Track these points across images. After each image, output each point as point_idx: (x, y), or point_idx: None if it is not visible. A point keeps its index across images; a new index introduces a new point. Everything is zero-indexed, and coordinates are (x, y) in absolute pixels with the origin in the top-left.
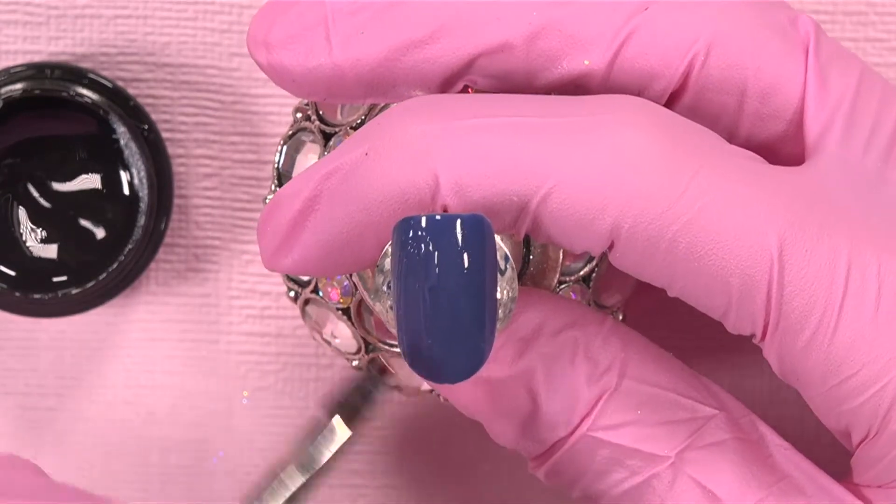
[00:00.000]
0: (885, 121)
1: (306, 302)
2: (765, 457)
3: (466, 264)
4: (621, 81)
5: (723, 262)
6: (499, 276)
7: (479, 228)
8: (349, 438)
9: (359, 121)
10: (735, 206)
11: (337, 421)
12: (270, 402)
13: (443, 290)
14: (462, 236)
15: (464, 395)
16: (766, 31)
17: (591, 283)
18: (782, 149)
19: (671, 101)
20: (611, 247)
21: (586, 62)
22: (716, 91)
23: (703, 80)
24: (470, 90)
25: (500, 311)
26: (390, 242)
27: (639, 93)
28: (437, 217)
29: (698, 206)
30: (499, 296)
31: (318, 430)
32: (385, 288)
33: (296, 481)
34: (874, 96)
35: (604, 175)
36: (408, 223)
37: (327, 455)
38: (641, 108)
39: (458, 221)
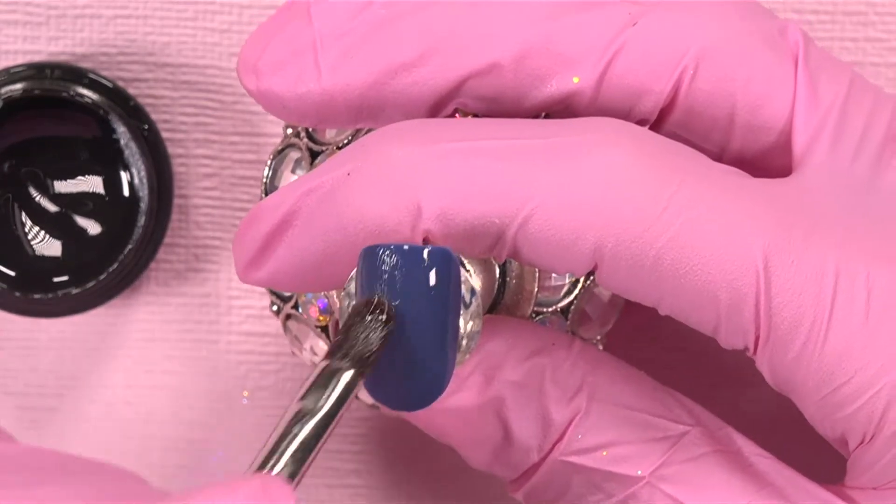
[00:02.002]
0: (875, 128)
1: (287, 317)
2: (745, 466)
3: (430, 295)
4: (611, 99)
5: (709, 277)
6: (463, 308)
7: (445, 260)
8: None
9: (346, 140)
10: (718, 220)
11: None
12: (270, 402)
13: (405, 317)
14: (427, 267)
15: (434, 423)
16: (754, 42)
17: (570, 316)
18: (775, 161)
19: (662, 117)
20: (596, 268)
21: (575, 80)
22: (706, 105)
23: (693, 95)
24: (457, 115)
25: (463, 342)
26: (357, 268)
27: (629, 109)
28: (405, 247)
29: (680, 222)
30: (462, 329)
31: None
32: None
33: (304, 431)
34: (864, 103)
35: (584, 196)
36: (375, 250)
37: (331, 401)
38: (621, 128)
39: (425, 252)
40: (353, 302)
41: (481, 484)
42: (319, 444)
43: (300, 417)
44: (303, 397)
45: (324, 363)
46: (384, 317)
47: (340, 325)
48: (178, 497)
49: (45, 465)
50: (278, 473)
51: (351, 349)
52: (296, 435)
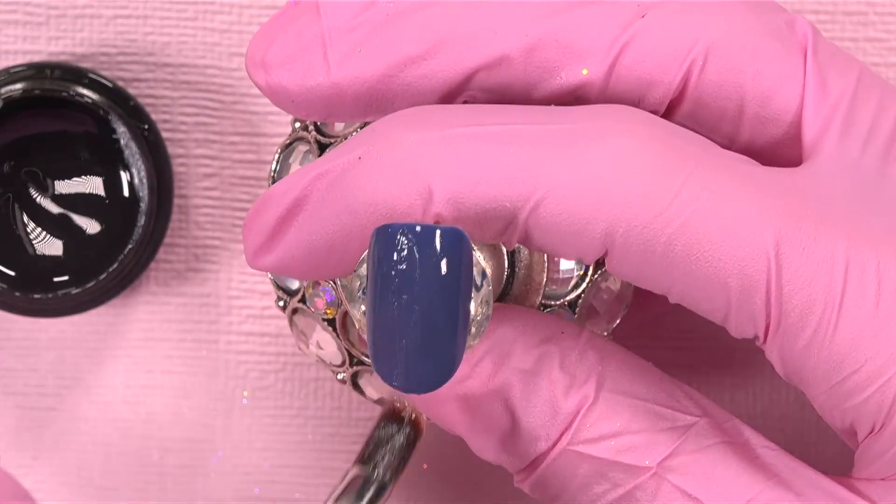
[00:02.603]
0: (885, 119)
1: (294, 311)
2: (752, 458)
3: (442, 275)
4: (620, 90)
5: (720, 264)
6: (474, 291)
7: (457, 241)
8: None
9: (354, 132)
10: (729, 207)
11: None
12: (270, 402)
13: (416, 298)
14: (440, 247)
15: (443, 411)
16: (763, 35)
17: (577, 310)
18: (784, 153)
19: (671, 109)
20: (607, 254)
21: (584, 72)
22: (715, 96)
23: (702, 86)
24: None
25: (472, 327)
26: (368, 248)
27: (638, 101)
28: (418, 228)
29: (692, 209)
30: (472, 311)
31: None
32: (360, 293)
33: None
34: (873, 96)
35: (596, 182)
36: (387, 230)
37: None
38: (633, 115)
39: (438, 232)
40: (365, 284)
41: (483, 484)
42: None
43: None
44: (336, 501)
45: (354, 471)
46: (412, 427)
47: (372, 436)
48: None
49: None
50: None
51: (381, 459)
52: None
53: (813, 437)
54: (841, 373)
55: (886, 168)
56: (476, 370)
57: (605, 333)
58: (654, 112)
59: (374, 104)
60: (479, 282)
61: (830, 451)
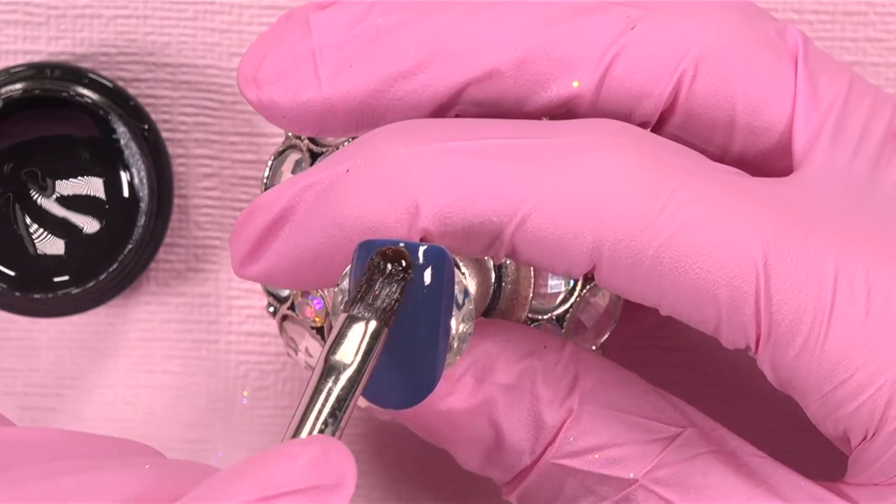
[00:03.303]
0: (876, 125)
1: (283, 318)
2: (739, 467)
3: (423, 293)
4: (611, 103)
5: (708, 275)
6: (456, 309)
7: (440, 258)
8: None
9: (346, 142)
10: (717, 219)
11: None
12: (270, 402)
13: (397, 314)
14: (422, 264)
15: (425, 426)
16: (754, 44)
17: (565, 325)
18: (776, 162)
19: (662, 120)
20: (595, 268)
21: (575, 84)
22: (706, 107)
23: (693, 97)
24: None
25: (454, 344)
26: (351, 263)
27: (629, 113)
28: (400, 244)
29: (679, 221)
30: (454, 329)
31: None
32: (342, 307)
33: (338, 387)
34: (864, 102)
35: (583, 195)
36: (371, 245)
37: (360, 354)
38: (620, 129)
39: (420, 250)
40: (346, 298)
41: (481, 485)
42: (354, 400)
43: (331, 373)
44: (330, 351)
45: (345, 315)
46: (403, 265)
47: (356, 280)
48: (236, 467)
49: (79, 450)
50: (322, 433)
51: (373, 300)
52: (331, 391)
53: (818, 436)
54: (832, 381)
55: (877, 173)
56: (458, 386)
57: (594, 348)
58: (645, 123)
59: (365, 119)
60: (460, 300)
61: (823, 456)
